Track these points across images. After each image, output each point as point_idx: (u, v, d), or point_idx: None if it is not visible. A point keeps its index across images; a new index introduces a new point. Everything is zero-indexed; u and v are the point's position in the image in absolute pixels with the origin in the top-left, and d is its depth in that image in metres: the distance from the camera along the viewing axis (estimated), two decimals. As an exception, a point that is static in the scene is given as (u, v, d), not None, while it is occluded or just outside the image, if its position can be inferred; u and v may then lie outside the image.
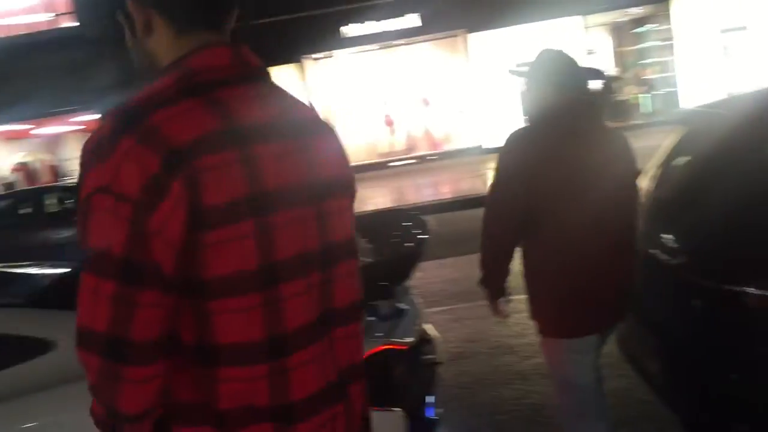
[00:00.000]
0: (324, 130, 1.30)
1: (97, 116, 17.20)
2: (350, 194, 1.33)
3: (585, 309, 2.59)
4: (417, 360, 3.16)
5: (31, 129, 21.18)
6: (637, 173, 2.84)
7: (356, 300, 1.31)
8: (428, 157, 19.30)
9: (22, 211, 11.87)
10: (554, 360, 2.78)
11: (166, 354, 1.10)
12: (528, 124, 2.69)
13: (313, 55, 18.95)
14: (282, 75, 16.49)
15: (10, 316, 2.95)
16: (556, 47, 2.73)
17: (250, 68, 1.21)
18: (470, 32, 18.37)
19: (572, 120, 2.58)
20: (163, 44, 1.21)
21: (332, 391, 1.22)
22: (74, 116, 19.40)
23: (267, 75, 1.25)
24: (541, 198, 2.51)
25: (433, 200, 12.24)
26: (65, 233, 11.49)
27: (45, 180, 20.61)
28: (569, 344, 2.68)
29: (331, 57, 19.31)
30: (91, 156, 1.09)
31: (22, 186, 19.43)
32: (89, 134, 1.13)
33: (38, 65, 16.21)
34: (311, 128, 1.26)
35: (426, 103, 19.68)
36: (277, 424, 1.14)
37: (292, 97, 1.28)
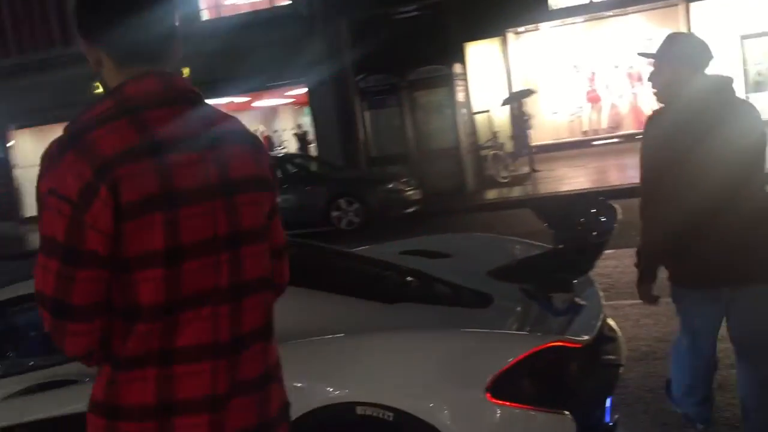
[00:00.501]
0: (242, 140, 1.61)
1: (305, 89, 18.07)
2: (264, 189, 1.61)
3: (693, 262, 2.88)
4: (594, 360, 2.93)
5: (252, 101, 22.73)
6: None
7: (263, 275, 1.59)
8: (635, 137, 18.14)
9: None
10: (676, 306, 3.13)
11: (104, 313, 1.46)
12: (662, 105, 2.96)
13: (518, 29, 18.44)
14: (483, 50, 16.22)
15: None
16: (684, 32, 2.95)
17: (177, 93, 1.52)
18: (693, 1, 16.89)
19: (704, 95, 2.85)
20: (110, 75, 1.54)
21: (223, 347, 1.50)
22: (287, 90, 20.52)
23: (196, 97, 1.55)
24: (676, 167, 2.79)
25: (636, 183, 11.48)
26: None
27: (260, 149, 22.12)
28: (681, 292, 3.01)
29: (536, 30, 18.69)
30: (47, 163, 1.44)
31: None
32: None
33: (257, 42, 17.25)
34: (228, 139, 1.56)
35: (635, 78, 18.46)
36: (162, 365, 1.46)
37: (218, 115, 1.59)
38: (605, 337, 3.11)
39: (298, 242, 3.98)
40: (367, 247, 4.61)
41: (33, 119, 21.13)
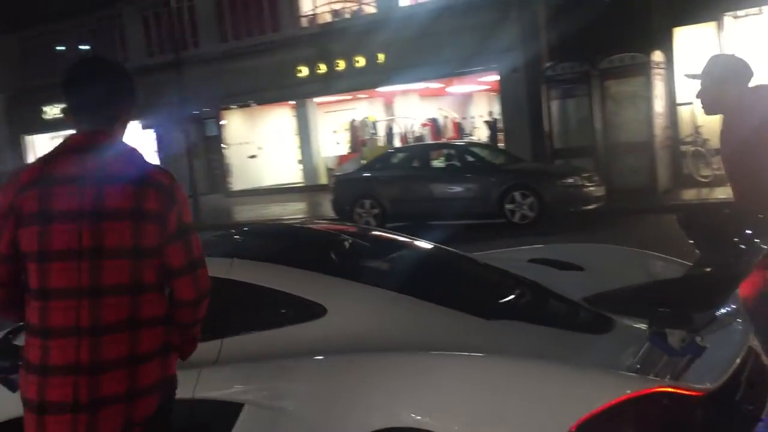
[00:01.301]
0: (128, 181, 2.05)
1: (498, 77, 17.68)
2: (129, 219, 2.02)
3: None
4: (724, 410, 2.46)
5: (446, 87, 22.72)
6: None
7: (123, 282, 2.02)
8: None
9: (414, 164, 12.82)
10: None
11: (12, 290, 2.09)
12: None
13: (737, 12, 16.64)
14: (692, 35, 14.81)
15: (292, 276, 3.03)
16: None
17: (90, 145, 2.08)
18: None
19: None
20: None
21: (84, 330, 1.97)
22: (480, 76, 20.21)
23: (101, 147, 2.08)
24: None
25: None
26: (443, 188, 12.09)
27: (448, 136, 22.07)
28: None
29: (758, 14, 16.76)
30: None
31: (428, 140, 21.16)
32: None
33: (452, 27, 17.14)
34: (108, 179, 2.04)
35: None
36: (42, 339, 2.00)
37: (118, 161, 2.09)
38: (743, 383, 2.61)
39: (399, 242, 3.78)
40: (497, 251, 4.28)
41: (242, 100, 22.73)
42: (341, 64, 19.77)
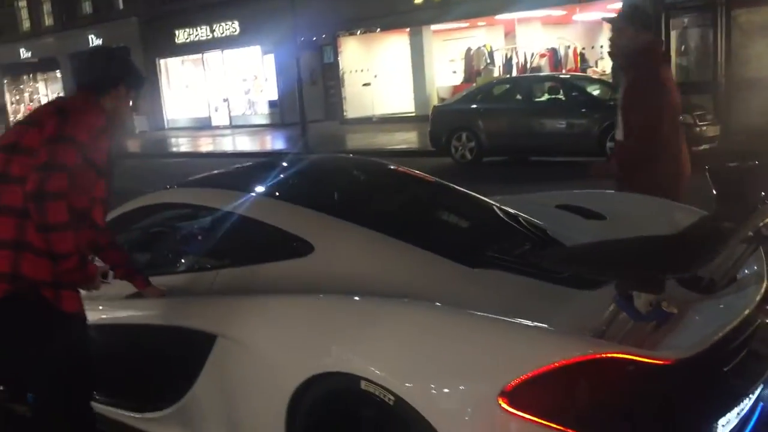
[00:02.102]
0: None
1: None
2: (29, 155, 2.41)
3: None
4: (706, 382, 2.26)
5: (571, 14, 21.49)
6: None
7: (11, 204, 2.40)
8: None
9: (515, 97, 12.35)
10: None
11: None
12: None
13: None
14: None
15: (286, 211, 3.02)
16: None
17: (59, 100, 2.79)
18: None
19: None
20: None
21: None
22: (608, 2, 18.98)
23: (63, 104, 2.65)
24: None
25: None
26: (544, 123, 11.62)
27: (568, 67, 21.03)
28: None
29: None
30: None
31: (545, 71, 20.26)
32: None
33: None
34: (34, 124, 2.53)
35: None
36: None
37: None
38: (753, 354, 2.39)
39: (405, 180, 3.65)
40: (529, 194, 4.07)
41: (359, 27, 22.64)
42: (458, -11, 19.20)
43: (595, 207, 3.49)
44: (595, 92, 12.06)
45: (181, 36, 28.07)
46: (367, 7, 21.46)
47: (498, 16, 20.84)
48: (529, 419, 2.02)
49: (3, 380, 2.94)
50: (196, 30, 27.38)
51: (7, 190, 2.41)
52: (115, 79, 2.65)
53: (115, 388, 3.22)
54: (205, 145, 21.97)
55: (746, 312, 2.50)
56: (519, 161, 12.30)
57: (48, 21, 33.21)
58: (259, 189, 3.23)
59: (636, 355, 2.09)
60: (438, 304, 2.37)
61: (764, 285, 2.76)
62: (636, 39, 3.77)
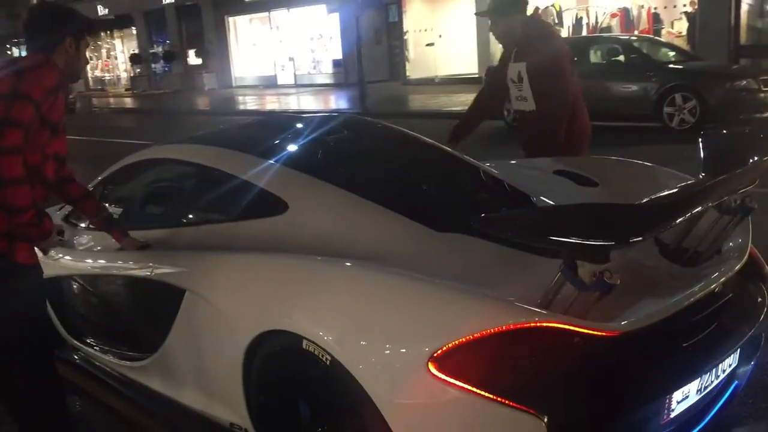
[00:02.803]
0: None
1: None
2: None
3: None
4: (660, 356, 2.19)
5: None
6: None
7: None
8: None
9: (574, 59, 11.94)
10: None
11: None
12: None
13: None
14: None
15: (267, 170, 3.03)
16: None
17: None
18: None
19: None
20: None
21: None
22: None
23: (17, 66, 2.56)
24: None
25: None
26: (598, 86, 11.23)
27: (641, 28, 20.18)
28: None
29: None
30: None
31: (616, 31, 19.52)
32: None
33: None
34: None
35: None
36: None
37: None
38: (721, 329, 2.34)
39: (390, 140, 3.59)
40: (527, 160, 3.97)
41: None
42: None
43: (591, 173, 3.37)
44: (655, 54, 11.56)
45: (251, -6, 28.31)
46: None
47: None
48: (460, 386, 2.00)
49: None
50: (265, -12, 27.55)
51: None
52: (60, 34, 2.65)
53: (102, 337, 3.35)
54: (270, 103, 22.21)
55: (712, 286, 2.39)
56: (574, 125, 11.97)
57: (123, -21, 34.00)
58: (243, 147, 3.25)
59: (574, 326, 2.03)
60: (380, 267, 2.34)
61: (744, 258, 2.63)
62: (526, 25, 4.11)
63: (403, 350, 2.08)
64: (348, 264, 2.39)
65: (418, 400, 2.05)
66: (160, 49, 32.62)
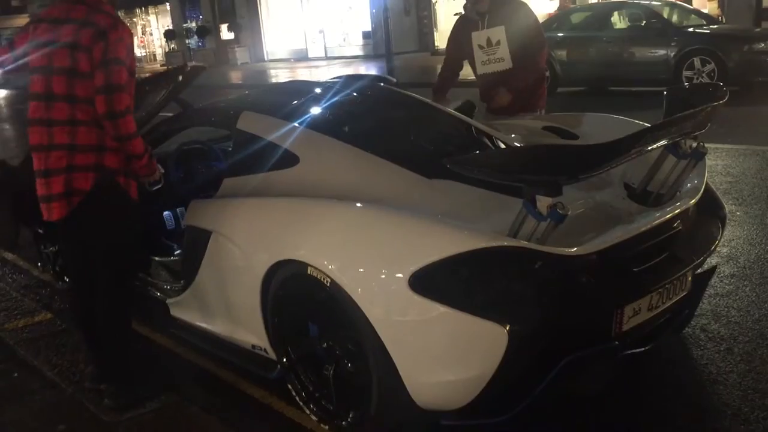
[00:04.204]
0: (77, 22, 2.92)
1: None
2: (78, 50, 2.89)
3: None
4: (610, 278, 2.57)
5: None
6: None
7: (64, 92, 2.92)
8: None
9: (592, 25, 12.10)
10: None
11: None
12: None
13: None
14: None
15: (282, 129, 3.44)
16: None
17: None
18: None
19: None
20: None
21: (41, 122, 2.96)
22: None
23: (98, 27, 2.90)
24: None
25: None
26: (619, 51, 11.37)
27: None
28: None
29: None
30: None
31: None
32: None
33: None
34: (70, 20, 2.94)
35: None
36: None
37: (81, 9, 2.94)
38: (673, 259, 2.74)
39: (392, 99, 3.98)
40: (524, 116, 4.33)
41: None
42: None
43: (575, 128, 3.72)
44: (676, 18, 11.66)
45: (279, -31, 28.59)
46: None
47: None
48: (434, 302, 2.39)
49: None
50: (295, -39, 27.81)
51: (81, 108, 2.89)
52: None
53: (151, 273, 3.86)
54: (300, 76, 22.61)
55: (663, 219, 2.75)
56: (598, 91, 12.15)
57: (157, -45, 34.55)
58: (265, 110, 3.66)
59: (534, 248, 2.41)
60: (370, 205, 2.75)
61: (698, 196, 2.98)
62: None
63: (389, 271, 2.48)
64: (344, 203, 2.80)
65: (402, 317, 2.45)
66: (193, 24, 33.16)
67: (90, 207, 2.97)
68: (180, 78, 4.18)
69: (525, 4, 4.77)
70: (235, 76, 24.74)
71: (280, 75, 23.71)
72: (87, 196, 2.94)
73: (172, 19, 34.54)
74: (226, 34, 31.49)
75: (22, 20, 51.40)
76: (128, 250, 3.16)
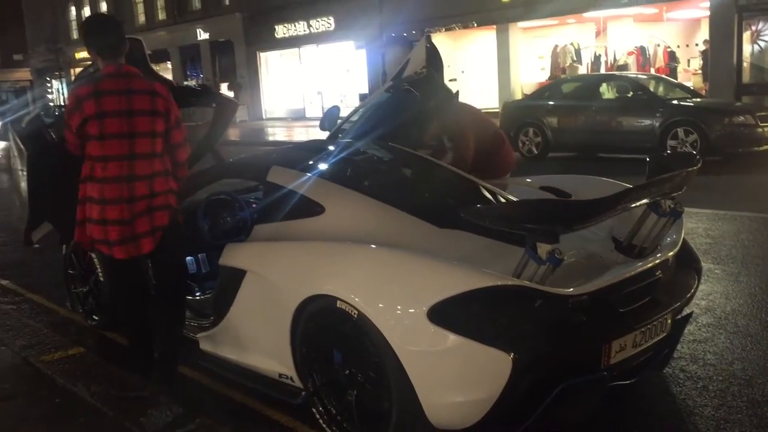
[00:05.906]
0: (144, 92, 3.59)
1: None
2: (154, 115, 3.59)
3: None
4: (598, 317, 2.96)
5: (664, 12, 21.26)
6: None
7: (148, 151, 3.59)
8: None
9: (581, 95, 12.78)
10: None
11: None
12: None
13: None
14: None
15: (309, 182, 3.88)
16: None
17: (121, 72, 3.57)
18: None
19: None
20: (97, 63, 3.74)
21: (121, 179, 3.57)
22: (702, 1, 18.81)
23: (132, 73, 3.61)
24: None
25: None
26: (607, 120, 11.97)
27: (657, 66, 20.96)
28: None
29: None
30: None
31: (632, 69, 20.33)
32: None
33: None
34: (137, 91, 3.56)
35: None
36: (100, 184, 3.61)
37: (138, 81, 3.60)
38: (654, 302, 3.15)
39: (404, 159, 4.44)
40: (526, 177, 4.80)
41: (447, 23, 23.37)
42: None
43: (569, 188, 4.19)
44: (661, 92, 12.36)
45: (281, 31, 29.61)
46: (455, 5, 22.17)
47: (587, 14, 21.07)
48: (449, 332, 2.78)
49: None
50: (295, 25, 28.85)
51: (141, 142, 3.55)
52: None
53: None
54: (298, 135, 23.24)
55: (645, 267, 3.18)
56: (588, 156, 12.75)
57: (161, 15, 35.66)
58: (292, 164, 4.11)
59: (534, 288, 2.82)
60: (392, 249, 3.17)
61: (676, 249, 3.42)
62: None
63: (410, 305, 2.87)
64: (367, 246, 3.22)
65: (421, 344, 2.83)
66: (194, 82, 34.03)
67: (168, 237, 3.68)
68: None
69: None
70: (233, 133, 25.36)
71: (277, 133, 24.36)
72: (164, 230, 3.65)
73: (173, 76, 35.42)
74: (225, 92, 32.32)
75: (22, 74, 52.79)
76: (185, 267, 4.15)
